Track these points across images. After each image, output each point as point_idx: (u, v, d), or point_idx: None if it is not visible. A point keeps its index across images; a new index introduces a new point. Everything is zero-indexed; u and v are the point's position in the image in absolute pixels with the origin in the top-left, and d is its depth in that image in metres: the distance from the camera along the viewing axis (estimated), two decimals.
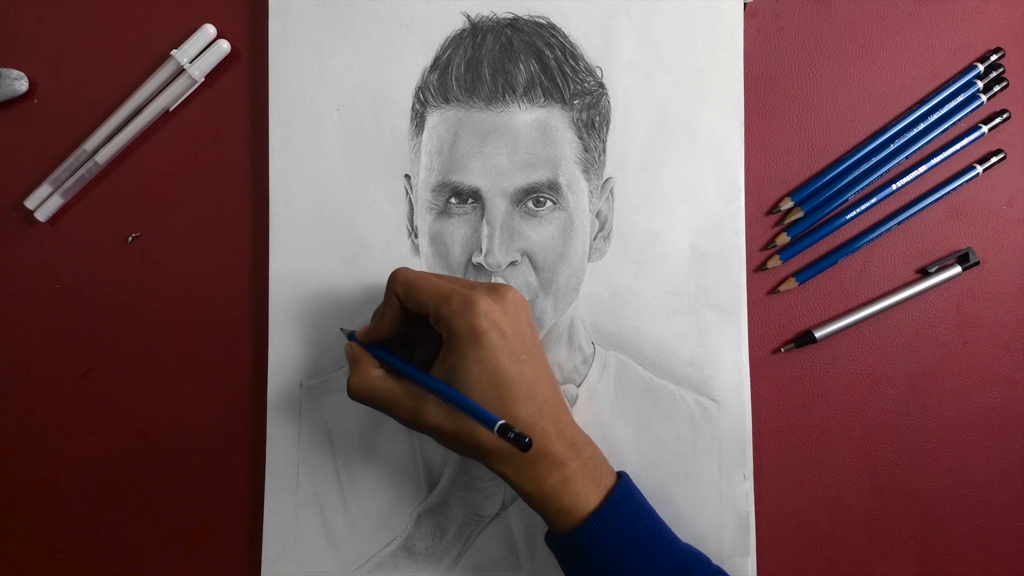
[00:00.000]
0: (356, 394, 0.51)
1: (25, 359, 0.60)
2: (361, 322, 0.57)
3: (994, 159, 0.60)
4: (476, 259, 0.57)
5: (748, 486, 0.58)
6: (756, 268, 0.60)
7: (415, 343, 0.53)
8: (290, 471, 0.58)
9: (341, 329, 0.58)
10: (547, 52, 0.59)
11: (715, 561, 0.52)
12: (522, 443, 0.44)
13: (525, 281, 0.58)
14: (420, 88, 0.59)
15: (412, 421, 0.49)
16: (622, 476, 0.52)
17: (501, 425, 0.45)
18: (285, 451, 0.58)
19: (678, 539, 0.51)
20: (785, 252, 0.60)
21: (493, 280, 0.57)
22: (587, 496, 0.49)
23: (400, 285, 0.50)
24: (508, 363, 0.47)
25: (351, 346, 0.53)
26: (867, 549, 0.60)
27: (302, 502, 0.58)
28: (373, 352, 0.52)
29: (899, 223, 0.60)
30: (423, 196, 0.58)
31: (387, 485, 0.58)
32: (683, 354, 0.58)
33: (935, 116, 0.60)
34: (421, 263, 0.58)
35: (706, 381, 0.58)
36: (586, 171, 0.59)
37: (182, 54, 0.59)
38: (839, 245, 0.60)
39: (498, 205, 0.57)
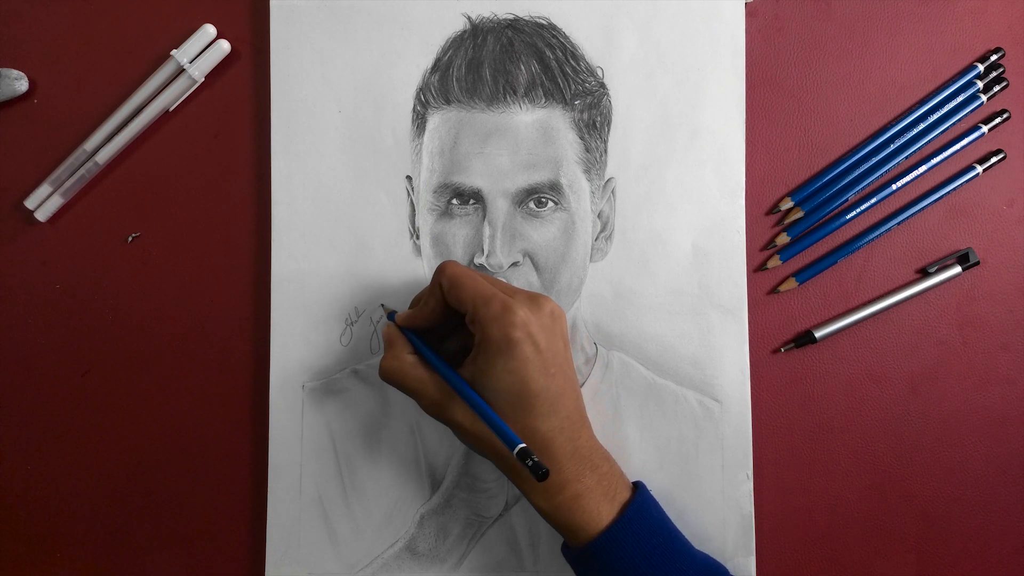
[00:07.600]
0: (387, 376, 0.51)
1: (25, 359, 0.60)
2: (365, 321, 0.58)
3: (994, 159, 0.61)
4: (478, 260, 0.57)
5: (751, 486, 0.58)
6: (756, 268, 0.60)
7: (448, 333, 0.53)
8: (293, 473, 0.58)
9: (382, 305, 0.58)
10: (548, 52, 0.58)
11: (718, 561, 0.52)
12: (538, 473, 0.44)
13: (527, 282, 0.58)
14: (421, 89, 0.59)
15: (436, 414, 0.50)
16: (638, 490, 0.51)
17: (521, 449, 0.45)
18: (288, 453, 0.58)
19: (695, 551, 0.51)
20: (785, 252, 0.60)
21: None
22: (600, 512, 0.49)
23: (446, 279, 0.50)
24: (537, 376, 0.47)
25: (389, 327, 0.53)
26: (867, 549, 0.60)
27: (305, 504, 0.58)
28: (408, 337, 0.52)
29: (899, 223, 0.60)
30: (424, 197, 0.58)
31: (390, 486, 0.58)
32: (686, 354, 0.58)
33: (935, 116, 0.60)
34: (423, 264, 0.58)
35: (709, 381, 0.58)
36: (587, 171, 0.58)
37: (182, 54, 0.59)
38: (839, 245, 0.60)
39: (499, 206, 0.57)
